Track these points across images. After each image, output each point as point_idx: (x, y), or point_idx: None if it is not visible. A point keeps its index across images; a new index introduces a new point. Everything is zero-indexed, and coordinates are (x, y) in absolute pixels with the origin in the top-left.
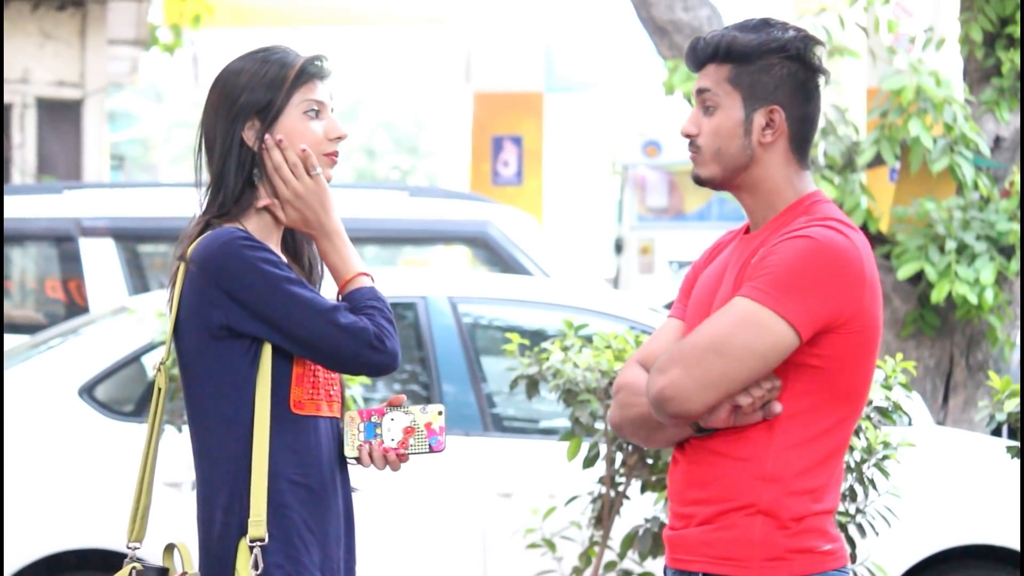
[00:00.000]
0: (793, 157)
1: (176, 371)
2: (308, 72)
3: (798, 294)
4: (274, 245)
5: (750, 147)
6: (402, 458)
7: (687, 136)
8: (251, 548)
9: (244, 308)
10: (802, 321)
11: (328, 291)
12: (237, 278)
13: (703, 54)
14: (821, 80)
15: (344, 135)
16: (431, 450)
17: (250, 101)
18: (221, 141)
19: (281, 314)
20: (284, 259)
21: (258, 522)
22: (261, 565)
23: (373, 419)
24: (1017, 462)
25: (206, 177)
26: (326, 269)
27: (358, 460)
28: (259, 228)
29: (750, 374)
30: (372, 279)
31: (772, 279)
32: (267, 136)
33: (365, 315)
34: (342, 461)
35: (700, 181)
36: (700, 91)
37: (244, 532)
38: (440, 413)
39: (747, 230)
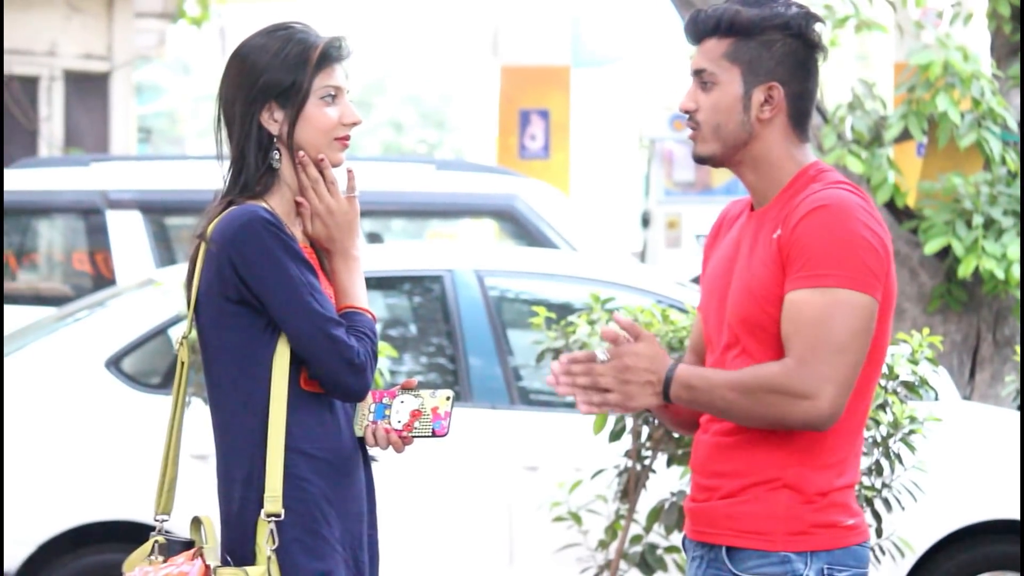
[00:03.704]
0: (792, 132)
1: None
2: (329, 56)
3: (854, 262)
4: (294, 222)
5: (749, 123)
6: (405, 440)
7: (686, 111)
8: (268, 522)
9: (249, 290)
10: (872, 285)
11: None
12: (249, 261)
13: (704, 27)
14: (820, 57)
15: (358, 121)
16: (434, 434)
17: (270, 82)
18: (240, 121)
19: (280, 307)
20: (302, 237)
21: (274, 497)
22: (277, 540)
23: (384, 400)
24: None
25: (227, 150)
26: None
27: (364, 439)
28: (281, 204)
29: (863, 358)
30: (374, 318)
31: (823, 258)
32: (302, 153)
33: (356, 338)
34: (361, 439)
35: (700, 159)
36: (697, 71)
37: (263, 506)
38: (448, 398)
39: (752, 207)
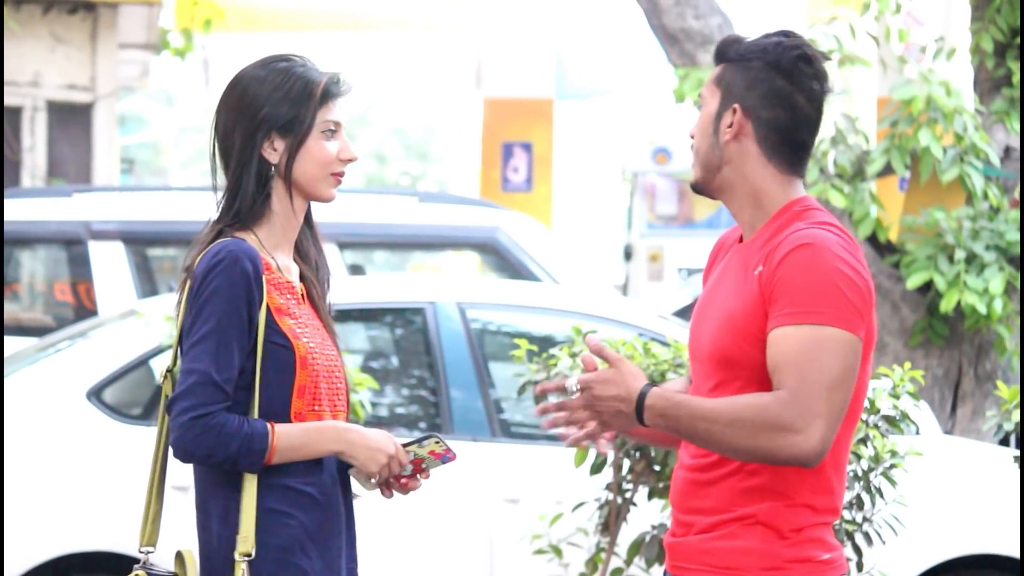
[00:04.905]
0: (770, 162)
1: None
2: (330, 92)
3: (840, 300)
4: (285, 252)
5: (719, 145)
6: (423, 474)
7: (692, 136)
8: (240, 563)
9: (188, 313)
10: (856, 324)
11: (333, 296)
12: (200, 288)
13: (713, 56)
14: (802, 96)
15: (355, 157)
16: (445, 462)
17: (272, 116)
18: (239, 151)
19: (185, 343)
20: (295, 265)
21: (245, 538)
22: None
23: None
24: None
25: (221, 179)
26: (331, 274)
27: (382, 492)
28: (270, 235)
29: (850, 396)
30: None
31: (808, 296)
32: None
33: (220, 411)
34: (343, 471)
35: (693, 186)
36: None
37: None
38: (437, 441)
39: (740, 239)
